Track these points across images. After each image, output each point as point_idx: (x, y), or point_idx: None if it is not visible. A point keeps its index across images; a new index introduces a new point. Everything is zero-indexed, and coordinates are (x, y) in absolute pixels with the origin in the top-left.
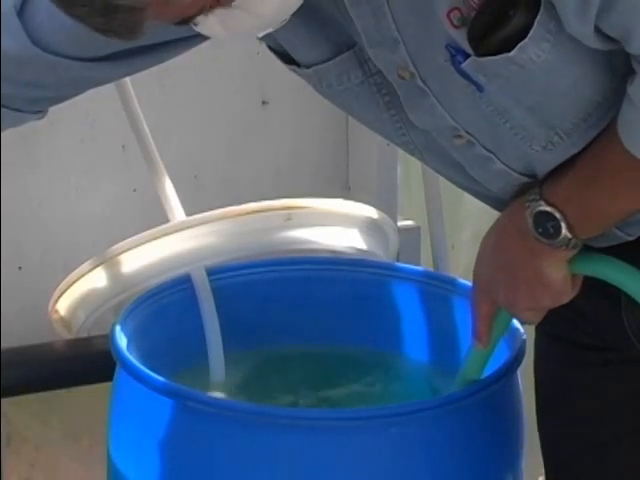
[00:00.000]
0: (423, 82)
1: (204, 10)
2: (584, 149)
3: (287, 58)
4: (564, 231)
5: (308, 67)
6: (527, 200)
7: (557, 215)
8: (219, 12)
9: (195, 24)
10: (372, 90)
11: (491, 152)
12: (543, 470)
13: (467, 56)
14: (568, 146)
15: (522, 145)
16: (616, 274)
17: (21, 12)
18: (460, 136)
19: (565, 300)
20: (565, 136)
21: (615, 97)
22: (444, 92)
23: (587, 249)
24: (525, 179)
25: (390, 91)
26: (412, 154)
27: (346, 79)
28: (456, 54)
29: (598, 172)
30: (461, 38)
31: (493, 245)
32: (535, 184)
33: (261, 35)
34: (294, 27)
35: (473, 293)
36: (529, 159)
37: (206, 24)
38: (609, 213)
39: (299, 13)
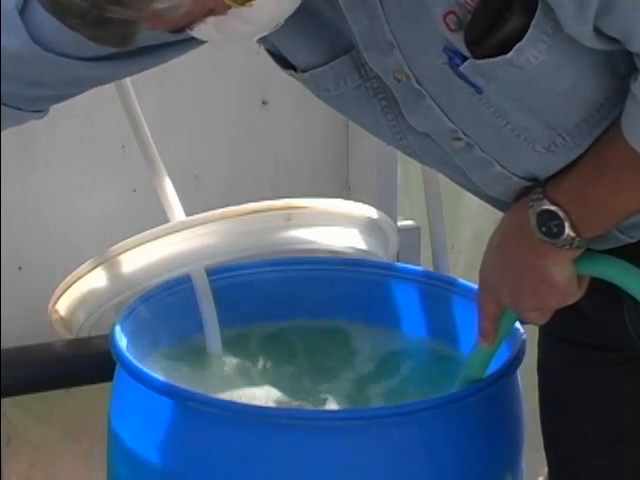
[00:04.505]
0: (419, 84)
1: (197, 20)
2: (588, 149)
3: (284, 62)
4: (567, 230)
5: (305, 71)
6: (530, 199)
7: (560, 214)
8: (213, 19)
9: (191, 29)
10: (369, 94)
11: (491, 155)
12: (543, 469)
13: (465, 58)
14: (572, 147)
15: (525, 147)
16: (621, 275)
17: (22, 11)
18: (459, 138)
19: (571, 301)
20: (568, 137)
21: (617, 97)
22: (442, 94)
23: (591, 251)
24: (526, 183)
25: (387, 96)
26: (411, 157)
27: (342, 83)
28: (454, 57)
29: (601, 170)
30: (458, 41)
31: (497, 245)
32: (538, 184)
33: (256, 38)
34: (291, 31)
35: (479, 293)
36: (531, 162)
37: (201, 30)
38: (613, 211)
39: (295, 17)
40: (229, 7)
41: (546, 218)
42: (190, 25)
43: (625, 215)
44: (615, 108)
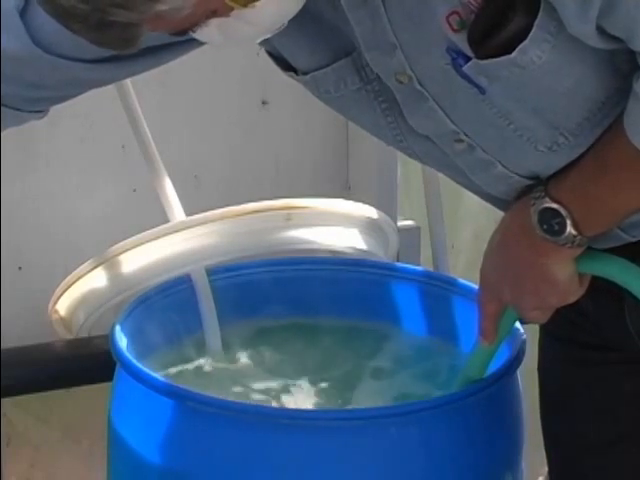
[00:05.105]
0: (421, 85)
1: (199, 22)
2: (589, 148)
3: (285, 64)
4: (569, 228)
5: (306, 74)
6: (532, 197)
7: (562, 212)
8: (216, 21)
9: (193, 31)
10: (369, 97)
11: (492, 156)
12: (543, 469)
13: (468, 59)
14: (574, 146)
15: (527, 146)
16: (622, 274)
17: (23, 13)
18: (461, 140)
19: (572, 299)
20: (570, 136)
21: (619, 96)
22: (444, 95)
23: (592, 249)
24: (527, 182)
25: (388, 98)
26: (411, 157)
27: (343, 85)
28: (457, 57)
29: (603, 168)
30: (461, 41)
31: (498, 244)
32: (539, 182)
33: (259, 40)
34: (292, 33)
35: (479, 292)
36: (533, 161)
37: (204, 32)
38: (614, 209)
39: (297, 19)
40: (232, 9)
41: (548, 216)
42: (193, 27)
43: (627, 213)
44: (617, 107)
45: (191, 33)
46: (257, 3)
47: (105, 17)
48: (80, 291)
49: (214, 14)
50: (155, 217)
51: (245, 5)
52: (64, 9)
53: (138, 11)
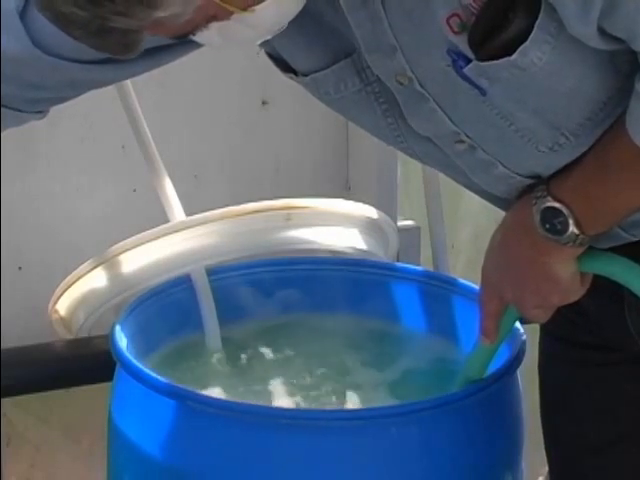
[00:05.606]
0: (421, 87)
1: (199, 27)
2: (591, 147)
3: (285, 65)
4: (571, 227)
5: (306, 75)
6: (534, 197)
7: (564, 211)
8: (216, 24)
9: (193, 34)
10: (370, 98)
11: (493, 156)
12: (543, 469)
13: (469, 61)
14: (575, 146)
15: (528, 147)
16: (623, 273)
17: (23, 14)
18: (462, 141)
19: (574, 298)
20: (572, 136)
21: (620, 96)
22: (445, 96)
23: (593, 248)
24: (528, 181)
25: (388, 99)
26: (412, 157)
27: (343, 87)
28: (457, 59)
29: (604, 168)
30: (462, 43)
31: (500, 243)
32: (540, 181)
33: (259, 42)
34: (292, 35)
35: (481, 291)
36: (535, 161)
37: (204, 35)
38: (616, 208)
39: (297, 20)
40: (231, 13)
41: (550, 215)
42: (193, 31)
43: (629, 212)
44: (618, 107)
45: (191, 36)
46: (257, 7)
47: (105, 24)
48: (80, 291)
49: (214, 18)
50: (155, 217)
51: (245, 9)
52: (64, 16)
53: (138, 18)
